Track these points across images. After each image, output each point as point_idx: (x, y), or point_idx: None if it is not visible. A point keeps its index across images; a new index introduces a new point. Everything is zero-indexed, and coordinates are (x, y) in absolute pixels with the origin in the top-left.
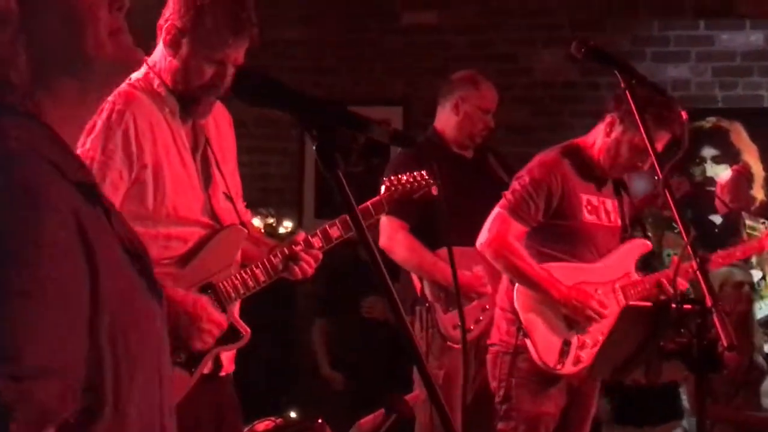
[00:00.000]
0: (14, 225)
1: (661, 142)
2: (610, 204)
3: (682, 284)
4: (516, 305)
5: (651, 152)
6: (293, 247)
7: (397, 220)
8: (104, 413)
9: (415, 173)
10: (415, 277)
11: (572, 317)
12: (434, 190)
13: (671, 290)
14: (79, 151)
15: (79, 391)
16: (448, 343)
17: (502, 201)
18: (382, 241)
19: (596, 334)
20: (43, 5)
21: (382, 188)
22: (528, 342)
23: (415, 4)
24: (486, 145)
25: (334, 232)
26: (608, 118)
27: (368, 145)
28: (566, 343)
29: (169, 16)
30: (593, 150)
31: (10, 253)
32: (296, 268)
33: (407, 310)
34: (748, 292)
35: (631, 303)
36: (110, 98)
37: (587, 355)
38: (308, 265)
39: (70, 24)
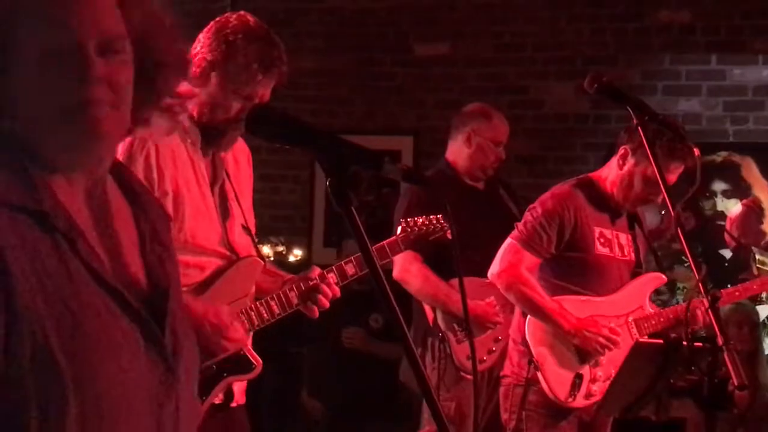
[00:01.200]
0: None
1: (675, 173)
2: (624, 238)
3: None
4: (527, 338)
5: (662, 185)
6: (309, 282)
7: (411, 251)
8: None
9: (431, 217)
10: (427, 308)
11: (583, 349)
12: (449, 234)
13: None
14: None
15: None
16: (462, 373)
17: (514, 232)
18: (396, 273)
19: (609, 367)
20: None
21: (398, 229)
22: (539, 375)
23: (427, 37)
24: (497, 177)
25: (350, 269)
26: (621, 151)
27: (380, 180)
28: (578, 377)
29: (200, 50)
30: (606, 183)
31: None
32: (313, 306)
33: (418, 341)
34: (756, 330)
35: (641, 340)
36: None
37: (599, 389)
38: (325, 301)
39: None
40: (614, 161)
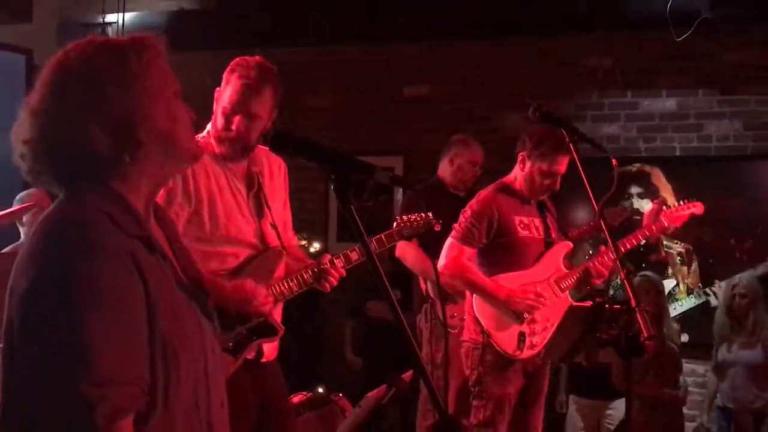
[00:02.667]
0: (84, 271)
1: (563, 164)
2: (537, 221)
3: (606, 268)
4: (476, 312)
5: (586, 182)
6: (321, 266)
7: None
8: (157, 410)
9: (423, 214)
10: (421, 280)
11: (519, 311)
12: (437, 227)
13: (596, 275)
14: None
15: (144, 393)
16: (448, 329)
17: (453, 232)
18: (397, 252)
19: (543, 322)
20: (157, 100)
21: (394, 224)
22: (491, 340)
23: (413, 80)
24: (474, 188)
25: (354, 255)
26: (520, 158)
27: (376, 186)
28: (521, 334)
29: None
30: (516, 183)
31: (83, 290)
32: (325, 283)
33: (417, 306)
34: (662, 298)
35: (574, 304)
36: None
37: (539, 340)
38: (333, 280)
39: (172, 121)
40: (517, 167)
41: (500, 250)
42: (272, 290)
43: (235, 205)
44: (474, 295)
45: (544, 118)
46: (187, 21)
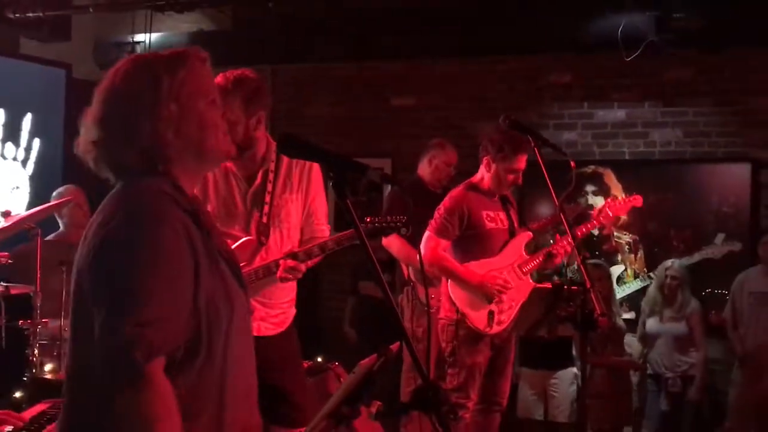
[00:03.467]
0: (147, 233)
1: (522, 162)
2: (502, 214)
3: (564, 250)
4: (451, 294)
5: (548, 180)
6: (277, 261)
7: None
8: (200, 353)
9: (391, 217)
10: (403, 266)
11: (488, 294)
12: (403, 231)
13: (556, 255)
14: None
15: (180, 336)
16: (426, 309)
17: (429, 225)
18: (384, 241)
19: (509, 302)
20: (187, 115)
21: (368, 220)
22: (466, 318)
23: (400, 92)
24: (449, 185)
25: (330, 244)
26: (485, 161)
27: (369, 183)
28: (490, 312)
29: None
30: (483, 182)
31: (144, 248)
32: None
33: (399, 288)
34: (608, 281)
35: (537, 285)
36: None
37: (506, 317)
38: (299, 274)
39: (201, 129)
40: (482, 168)
41: (471, 240)
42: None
43: (230, 199)
44: (449, 280)
45: (513, 126)
46: (206, 41)
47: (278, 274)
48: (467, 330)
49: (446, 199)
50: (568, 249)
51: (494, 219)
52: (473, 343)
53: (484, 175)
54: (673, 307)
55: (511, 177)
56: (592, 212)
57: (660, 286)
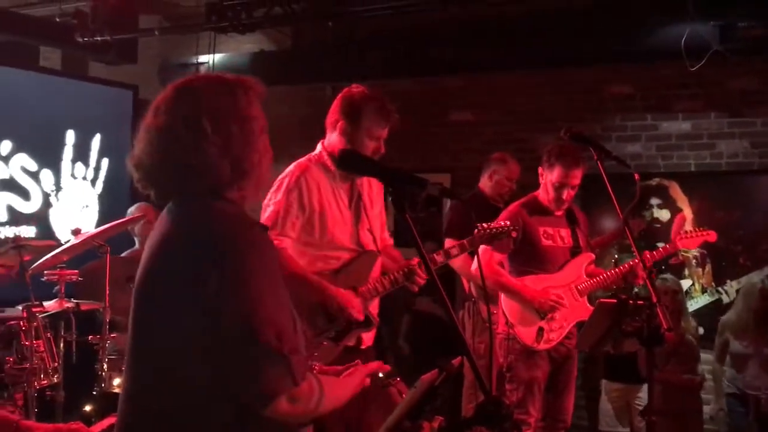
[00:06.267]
0: (265, 265)
1: (571, 175)
2: (564, 231)
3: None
4: (504, 308)
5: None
6: (410, 267)
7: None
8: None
9: (501, 223)
10: (464, 281)
11: (541, 310)
12: (514, 234)
13: (636, 279)
14: (268, 199)
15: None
16: (487, 324)
17: None
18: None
19: (561, 321)
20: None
21: (475, 231)
22: (513, 331)
23: (458, 107)
24: (510, 200)
25: (439, 258)
26: (540, 172)
27: (427, 198)
28: (540, 329)
29: (338, 117)
30: (541, 197)
31: (257, 268)
32: (413, 283)
33: (460, 304)
34: (680, 296)
35: (603, 300)
36: (291, 168)
37: (555, 336)
38: (420, 280)
39: (256, 153)
40: (541, 182)
41: (526, 256)
42: (371, 288)
43: (339, 214)
44: (502, 293)
45: (574, 138)
46: (267, 61)
47: (418, 278)
48: (521, 344)
49: (503, 213)
50: (648, 263)
51: (552, 236)
52: (529, 358)
53: (542, 189)
54: (763, 327)
55: (562, 191)
56: (662, 247)
57: (750, 304)
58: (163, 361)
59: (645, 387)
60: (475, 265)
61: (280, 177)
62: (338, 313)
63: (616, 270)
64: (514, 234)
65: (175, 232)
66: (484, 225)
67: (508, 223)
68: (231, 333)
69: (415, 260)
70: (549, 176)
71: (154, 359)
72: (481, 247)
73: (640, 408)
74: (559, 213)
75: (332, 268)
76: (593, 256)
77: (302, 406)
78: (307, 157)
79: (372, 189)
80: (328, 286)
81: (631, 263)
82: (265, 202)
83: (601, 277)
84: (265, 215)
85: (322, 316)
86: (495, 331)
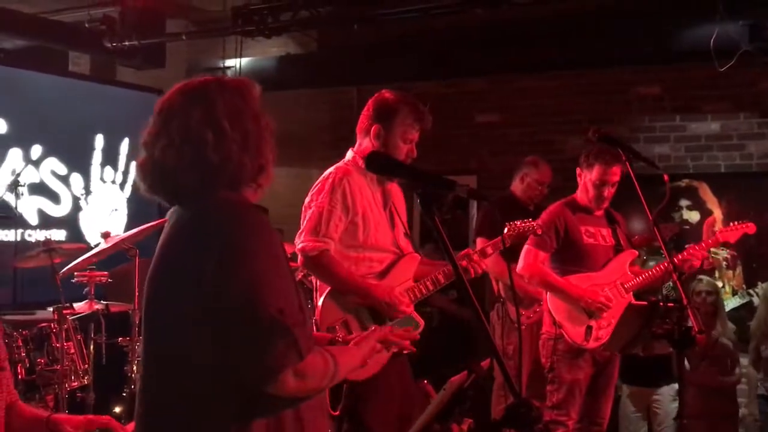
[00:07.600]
0: (264, 245)
1: (609, 173)
2: (605, 231)
3: (702, 254)
4: (550, 307)
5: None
6: (468, 254)
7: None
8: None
9: (526, 221)
10: (494, 282)
11: (588, 309)
12: (539, 231)
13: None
14: (309, 201)
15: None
16: (516, 325)
17: (528, 239)
18: None
19: (609, 318)
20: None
21: (505, 230)
22: (563, 331)
23: (484, 109)
24: (541, 203)
25: (489, 249)
26: (578, 172)
27: (455, 200)
28: (588, 327)
29: (369, 116)
30: (580, 197)
31: (264, 253)
32: (471, 269)
33: (489, 305)
34: (713, 297)
35: (633, 302)
36: (332, 170)
37: (604, 333)
38: (478, 267)
39: (270, 149)
40: (579, 183)
41: (569, 254)
42: (413, 291)
43: (380, 217)
44: (548, 293)
45: (603, 139)
46: (294, 64)
47: (476, 265)
48: (566, 345)
49: (544, 213)
50: (705, 253)
51: (594, 235)
52: (573, 359)
53: (580, 189)
54: None
55: (603, 189)
56: (703, 235)
57: None
58: (168, 349)
59: (663, 390)
60: (519, 265)
61: (322, 179)
62: (387, 309)
63: (661, 266)
64: (539, 231)
65: (181, 226)
66: (515, 223)
67: (533, 220)
68: (233, 311)
69: (470, 251)
70: (588, 175)
71: (161, 347)
72: (525, 247)
73: (659, 412)
74: (598, 213)
75: (375, 271)
76: (636, 253)
77: (309, 381)
78: (343, 161)
79: (397, 195)
80: (377, 284)
81: (682, 255)
82: (306, 203)
83: (648, 273)
84: (307, 216)
85: (369, 321)
86: (525, 333)
